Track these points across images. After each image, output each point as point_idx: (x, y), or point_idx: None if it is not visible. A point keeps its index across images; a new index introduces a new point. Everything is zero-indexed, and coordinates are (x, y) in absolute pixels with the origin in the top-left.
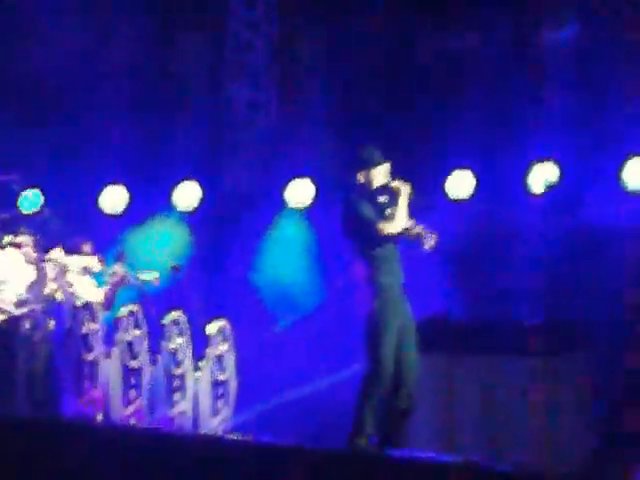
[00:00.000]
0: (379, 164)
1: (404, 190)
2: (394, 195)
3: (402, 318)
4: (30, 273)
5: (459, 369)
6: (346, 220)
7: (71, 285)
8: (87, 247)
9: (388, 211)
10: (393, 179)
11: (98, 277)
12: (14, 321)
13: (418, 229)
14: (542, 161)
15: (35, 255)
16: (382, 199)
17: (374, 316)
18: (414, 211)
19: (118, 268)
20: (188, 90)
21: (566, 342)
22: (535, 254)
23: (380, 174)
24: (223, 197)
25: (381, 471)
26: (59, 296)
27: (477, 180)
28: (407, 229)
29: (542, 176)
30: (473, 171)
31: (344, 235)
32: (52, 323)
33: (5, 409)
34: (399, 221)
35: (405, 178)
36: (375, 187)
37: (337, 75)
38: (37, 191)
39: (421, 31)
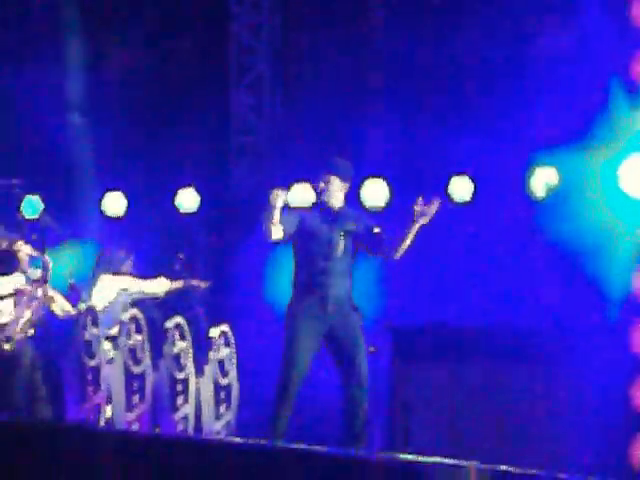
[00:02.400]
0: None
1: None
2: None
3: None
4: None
5: (461, 375)
6: None
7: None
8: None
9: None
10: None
11: None
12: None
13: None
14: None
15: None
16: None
17: (285, 330)
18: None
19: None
20: (190, 95)
21: (565, 347)
22: (536, 258)
23: (339, 187)
24: (227, 202)
25: (391, 476)
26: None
27: (475, 184)
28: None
29: (543, 179)
30: (470, 176)
31: None
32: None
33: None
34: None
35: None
36: (328, 200)
37: (338, 78)
38: (37, 197)
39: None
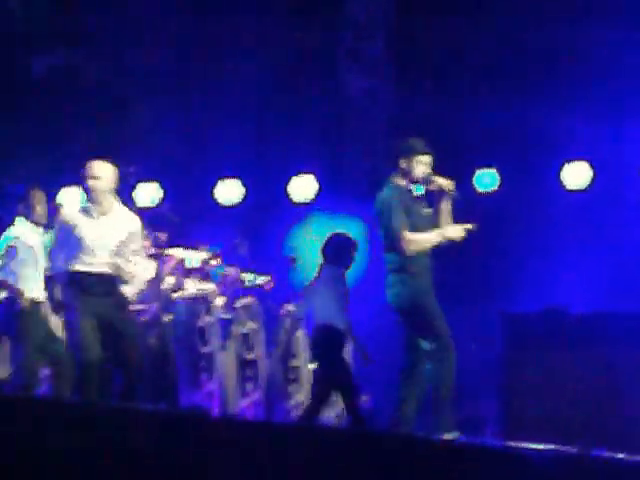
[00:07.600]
0: (423, 153)
1: (447, 188)
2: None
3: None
4: (149, 269)
5: (572, 362)
6: (381, 223)
7: (186, 280)
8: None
9: (426, 211)
10: (435, 175)
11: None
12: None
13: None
14: None
15: (154, 250)
16: (419, 195)
17: (414, 304)
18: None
19: (230, 269)
20: (304, 79)
21: None
22: None
23: (422, 164)
24: (341, 186)
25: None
26: (175, 292)
27: (594, 171)
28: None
29: None
30: (590, 162)
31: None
32: (169, 317)
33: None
34: (434, 236)
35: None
36: (416, 178)
37: (451, 63)
38: (156, 185)
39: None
